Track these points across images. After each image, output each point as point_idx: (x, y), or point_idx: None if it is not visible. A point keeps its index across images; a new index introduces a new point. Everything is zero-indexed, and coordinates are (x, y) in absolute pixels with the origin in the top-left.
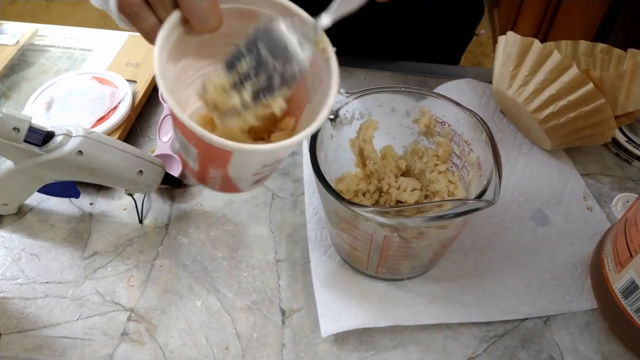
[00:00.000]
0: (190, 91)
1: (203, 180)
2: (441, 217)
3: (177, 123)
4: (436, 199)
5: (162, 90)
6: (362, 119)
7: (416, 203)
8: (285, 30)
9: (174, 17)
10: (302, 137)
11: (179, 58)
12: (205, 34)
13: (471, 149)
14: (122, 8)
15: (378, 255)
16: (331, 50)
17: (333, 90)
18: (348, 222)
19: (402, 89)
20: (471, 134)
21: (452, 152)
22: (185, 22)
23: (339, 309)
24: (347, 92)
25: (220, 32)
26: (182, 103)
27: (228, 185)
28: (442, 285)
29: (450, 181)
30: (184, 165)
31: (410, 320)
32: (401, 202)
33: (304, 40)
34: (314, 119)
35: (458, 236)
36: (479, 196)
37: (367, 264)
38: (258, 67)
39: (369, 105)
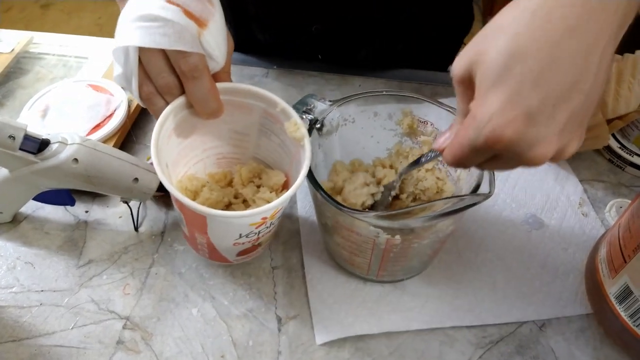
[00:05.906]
0: (198, 167)
1: (194, 246)
2: (443, 215)
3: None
4: (426, 196)
5: (154, 158)
6: (346, 124)
7: (412, 201)
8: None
9: (179, 100)
10: (270, 206)
11: (186, 136)
12: (211, 119)
13: None
14: (140, 94)
15: (379, 259)
16: (307, 138)
17: (303, 172)
18: (349, 229)
19: (383, 93)
20: None
21: None
22: (190, 105)
23: (333, 316)
24: (330, 101)
25: (225, 120)
26: (185, 176)
27: (216, 254)
28: (436, 287)
29: (438, 178)
30: (184, 233)
31: (404, 326)
32: (397, 198)
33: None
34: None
35: (452, 234)
36: (474, 190)
37: (367, 268)
38: None
39: (351, 111)
